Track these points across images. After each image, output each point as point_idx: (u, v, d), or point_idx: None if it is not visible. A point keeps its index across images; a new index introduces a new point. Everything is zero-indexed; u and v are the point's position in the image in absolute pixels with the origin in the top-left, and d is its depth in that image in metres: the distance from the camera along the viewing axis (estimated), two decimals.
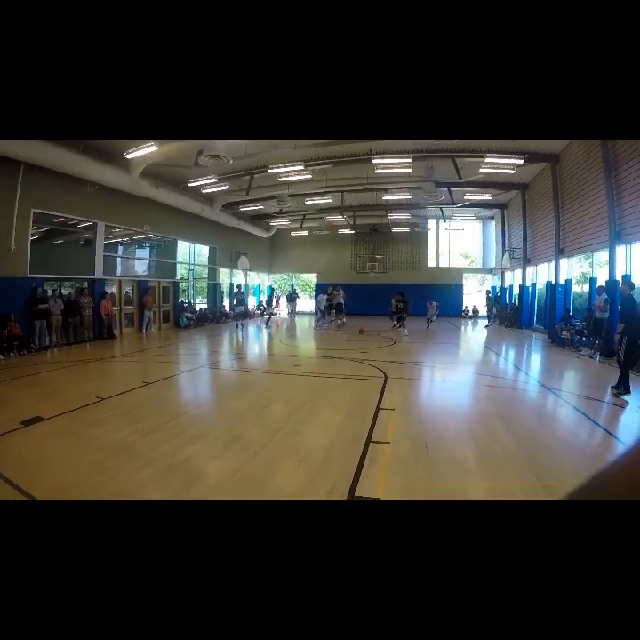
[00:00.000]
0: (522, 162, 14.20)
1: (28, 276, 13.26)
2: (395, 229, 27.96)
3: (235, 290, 22.43)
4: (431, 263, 29.89)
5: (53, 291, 14.37)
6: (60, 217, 14.82)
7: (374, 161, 14.38)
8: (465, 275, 30.03)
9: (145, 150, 13.18)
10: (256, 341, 15.99)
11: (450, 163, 15.71)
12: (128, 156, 13.83)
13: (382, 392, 6.91)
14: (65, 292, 15.28)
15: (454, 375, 8.89)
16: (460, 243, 30.36)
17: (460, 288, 29.09)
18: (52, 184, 13.60)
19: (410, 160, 13.98)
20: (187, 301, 22.86)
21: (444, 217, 25.73)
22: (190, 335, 17.77)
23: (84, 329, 15.04)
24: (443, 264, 29.90)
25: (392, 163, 14.38)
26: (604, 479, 0.43)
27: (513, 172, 15.37)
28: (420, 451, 4.52)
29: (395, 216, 25.82)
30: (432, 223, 28.93)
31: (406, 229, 28.07)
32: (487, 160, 14.26)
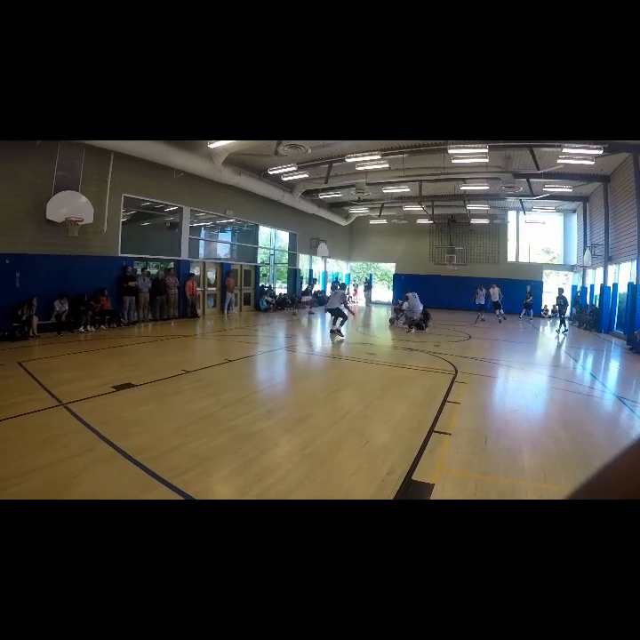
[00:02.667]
0: (600, 152, 13.41)
1: (119, 255, 14.33)
2: (473, 221, 26.84)
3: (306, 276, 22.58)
4: (510, 257, 28.17)
5: (142, 270, 15.38)
6: (148, 201, 15.84)
7: (450, 151, 14.06)
8: (545, 271, 27.91)
9: (226, 141, 13.76)
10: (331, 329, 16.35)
11: (527, 153, 15.02)
12: (211, 146, 14.51)
13: (451, 386, 6.98)
14: (153, 271, 16.33)
15: (523, 375, 8.71)
16: (540, 237, 28.29)
17: (539, 285, 26.35)
18: (141, 171, 14.56)
19: (486, 150, 13.58)
20: (267, 285, 23.37)
21: (523, 209, 24.36)
22: (269, 318, 18.31)
23: (170, 307, 16.01)
24: (522, 259, 27.99)
25: (468, 153, 14.01)
26: (608, 479, 0.43)
27: (592, 163, 14.44)
28: (478, 444, 4.60)
29: (473, 207, 24.85)
30: (511, 215, 27.27)
31: (485, 221, 26.71)
32: (565, 150, 13.52)
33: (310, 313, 20.24)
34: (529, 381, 8.14)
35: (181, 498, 3.31)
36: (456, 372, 8.07)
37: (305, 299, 21.01)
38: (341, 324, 12.67)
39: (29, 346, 10.39)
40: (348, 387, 7.17)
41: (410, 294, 15.71)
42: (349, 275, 32.44)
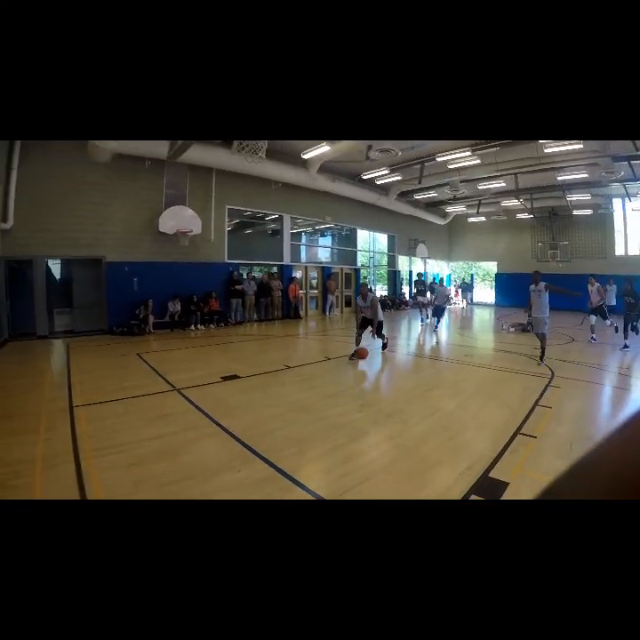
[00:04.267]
0: None
1: (226, 261, 15.76)
2: (575, 212, 24.55)
3: (415, 278, 21.48)
4: (619, 251, 24.91)
5: (247, 274, 16.54)
6: (250, 211, 17.10)
7: (540, 140, 13.51)
8: None
9: (319, 150, 14.36)
10: (432, 329, 16.22)
11: None
12: (304, 156, 15.23)
13: (545, 389, 6.76)
14: (257, 275, 17.36)
15: (624, 382, 7.95)
16: None
17: None
18: (241, 184, 15.82)
19: None
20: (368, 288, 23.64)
21: (628, 195, 21.53)
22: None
23: (274, 308, 16.98)
24: (632, 251, 24.43)
25: (559, 141, 13.28)
26: (608, 479, 0.41)
27: None
28: (563, 448, 4.46)
29: (574, 197, 22.78)
30: (617, 203, 24.12)
31: (588, 212, 24.25)
32: None
33: (423, 320, 16.91)
34: (629, 389, 7.54)
35: (282, 477, 3.65)
36: (552, 375, 7.77)
37: (421, 299, 18.03)
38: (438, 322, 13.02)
39: (146, 340, 11.75)
40: (440, 386, 7.20)
41: (438, 287, 15.25)
42: (450, 275, 31.65)
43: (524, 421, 5.20)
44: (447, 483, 3.64)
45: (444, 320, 12.63)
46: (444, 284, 15.30)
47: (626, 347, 10.77)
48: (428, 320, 15.87)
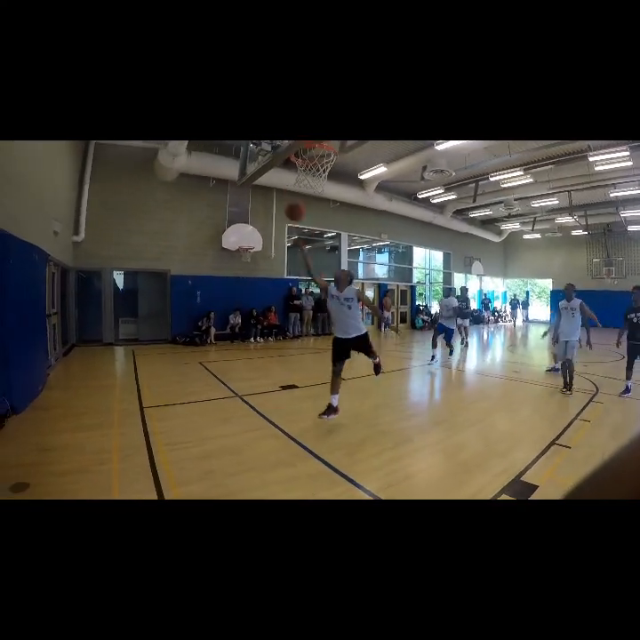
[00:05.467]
0: None
1: (285, 277, 16.49)
2: (630, 228, 23.49)
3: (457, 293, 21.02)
4: None
5: (305, 289, 17.25)
6: (308, 228, 17.81)
7: (590, 159, 13.32)
8: None
9: (375, 171, 14.96)
10: (484, 346, 16.13)
11: None
12: (362, 177, 15.82)
13: (586, 405, 6.76)
14: (316, 291, 17.87)
15: None
16: None
17: None
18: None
19: (627, 153, 12.50)
20: (423, 304, 23.80)
21: None
22: (423, 336, 18.52)
23: (331, 323, 17.28)
24: None
25: (607, 158, 13.07)
26: (606, 479, 0.42)
27: None
28: (594, 457, 4.49)
29: (628, 213, 21.79)
30: None
31: None
32: None
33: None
34: None
35: (326, 468, 4.03)
36: (596, 391, 7.70)
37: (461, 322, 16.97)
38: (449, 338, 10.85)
39: (207, 350, 12.49)
40: (485, 399, 7.31)
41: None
42: (506, 292, 31.17)
43: (562, 433, 5.30)
44: (478, 484, 3.86)
45: (458, 344, 11.17)
46: (453, 294, 12.40)
47: None
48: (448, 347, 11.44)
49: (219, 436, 4.86)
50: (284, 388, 7.56)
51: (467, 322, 13.80)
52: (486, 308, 26.93)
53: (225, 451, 4.43)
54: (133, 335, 13.95)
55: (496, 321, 27.27)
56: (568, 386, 7.50)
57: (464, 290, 14.63)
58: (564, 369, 7.61)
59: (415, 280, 23.72)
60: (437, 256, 25.75)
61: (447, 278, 25.83)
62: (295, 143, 4.30)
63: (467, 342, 13.51)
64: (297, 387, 7.66)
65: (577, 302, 7.62)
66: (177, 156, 12.28)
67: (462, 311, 12.32)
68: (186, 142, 11.89)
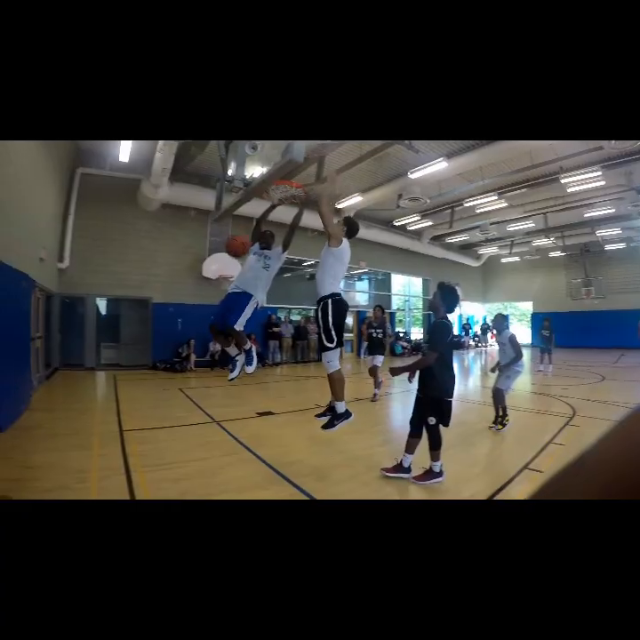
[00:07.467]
0: None
1: (264, 305, 16.35)
2: (608, 247, 24.29)
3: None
4: None
5: (285, 317, 17.51)
6: (287, 257, 17.80)
7: (562, 180, 13.89)
8: None
9: (351, 200, 15.73)
10: (465, 371, 16.40)
11: None
12: (338, 206, 16.17)
13: (562, 428, 6.90)
14: (295, 319, 18.25)
15: None
16: None
17: None
18: (280, 232, 16.52)
19: (599, 173, 13.09)
20: (402, 331, 24.34)
21: None
22: (403, 362, 18.77)
23: (310, 351, 17.64)
24: None
25: (580, 179, 13.70)
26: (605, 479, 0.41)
27: None
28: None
29: (604, 232, 22.56)
30: None
31: (621, 245, 23.82)
32: None
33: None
34: None
35: (304, 496, 4.18)
36: (573, 414, 7.92)
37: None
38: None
39: (187, 377, 12.80)
40: (460, 425, 7.45)
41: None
42: (486, 316, 31.46)
43: (534, 458, 5.44)
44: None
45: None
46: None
47: None
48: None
49: (195, 460, 5.06)
50: (260, 414, 7.79)
51: None
52: (467, 333, 27.16)
53: (201, 473, 4.64)
54: (114, 360, 14.19)
55: (476, 346, 27.56)
56: (499, 419, 6.87)
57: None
58: (494, 399, 6.97)
59: (394, 307, 24.20)
60: (417, 282, 26.35)
61: (427, 304, 26.20)
62: (263, 181, 4.57)
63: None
64: (273, 413, 7.90)
65: (506, 336, 6.94)
66: (159, 187, 12.61)
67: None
68: (168, 174, 12.17)
